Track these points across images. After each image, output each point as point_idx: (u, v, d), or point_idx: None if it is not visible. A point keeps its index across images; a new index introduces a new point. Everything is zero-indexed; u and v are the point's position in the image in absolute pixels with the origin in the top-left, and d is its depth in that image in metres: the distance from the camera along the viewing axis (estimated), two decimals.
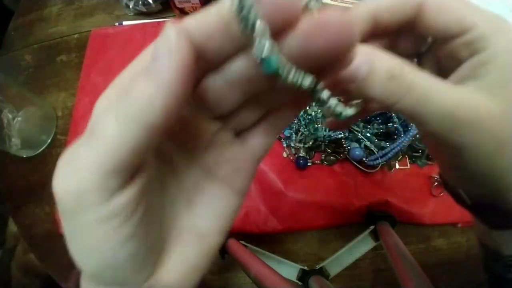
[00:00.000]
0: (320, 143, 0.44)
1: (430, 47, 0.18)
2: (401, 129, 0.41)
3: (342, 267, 0.40)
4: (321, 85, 0.11)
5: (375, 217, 0.40)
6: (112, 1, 0.58)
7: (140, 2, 0.54)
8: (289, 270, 0.39)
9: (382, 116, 0.43)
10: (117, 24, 0.56)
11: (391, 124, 0.42)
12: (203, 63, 0.11)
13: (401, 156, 0.43)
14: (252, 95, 0.13)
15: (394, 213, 0.40)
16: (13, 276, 0.60)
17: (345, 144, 0.43)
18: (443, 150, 0.17)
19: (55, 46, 0.56)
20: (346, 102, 0.16)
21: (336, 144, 0.44)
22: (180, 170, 0.14)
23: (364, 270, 0.41)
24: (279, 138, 0.45)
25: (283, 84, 0.10)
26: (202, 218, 0.14)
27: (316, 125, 0.43)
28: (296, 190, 0.43)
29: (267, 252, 0.39)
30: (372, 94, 0.14)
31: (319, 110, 0.44)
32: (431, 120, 0.14)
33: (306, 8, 0.11)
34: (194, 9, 0.53)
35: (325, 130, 0.43)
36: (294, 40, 0.10)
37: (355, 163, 0.43)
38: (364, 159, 0.42)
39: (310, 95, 0.12)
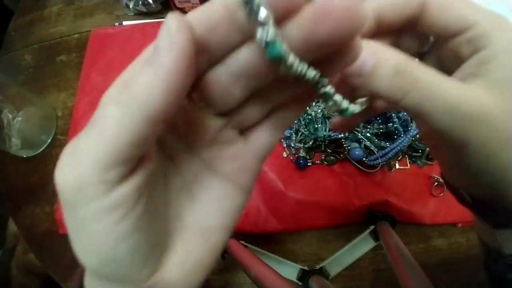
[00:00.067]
0: (320, 143, 0.44)
1: (432, 46, 0.18)
2: (401, 129, 0.41)
3: (342, 267, 0.40)
4: (325, 81, 0.11)
5: (375, 217, 0.40)
6: (112, 1, 0.58)
7: (140, 2, 0.54)
8: (289, 270, 0.39)
9: (382, 116, 0.43)
10: (117, 24, 0.56)
11: (391, 124, 0.42)
12: (208, 56, 0.11)
13: (401, 156, 0.43)
14: (256, 91, 0.13)
15: (394, 213, 0.40)
16: (13, 276, 0.60)
17: (345, 144, 0.43)
18: (446, 148, 0.17)
19: (55, 46, 0.56)
20: (351, 101, 0.16)
21: (336, 144, 0.44)
22: (184, 166, 0.14)
23: (364, 270, 0.41)
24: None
25: (287, 72, 0.10)
26: (206, 215, 0.14)
27: (316, 125, 0.43)
28: (296, 190, 0.43)
29: (267, 252, 0.39)
30: (378, 89, 0.14)
31: (319, 110, 0.44)
32: (437, 116, 0.14)
33: None
34: (194, 9, 0.53)
35: (325, 130, 0.43)
36: (297, 27, 0.10)
37: (355, 163, 0.43)
38: (364, 159, 0.42)
39: (315, 88, 0.12)
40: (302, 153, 0.44)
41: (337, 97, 0.13)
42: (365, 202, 0.41)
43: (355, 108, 0.14)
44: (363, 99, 0.15)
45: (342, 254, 0.39)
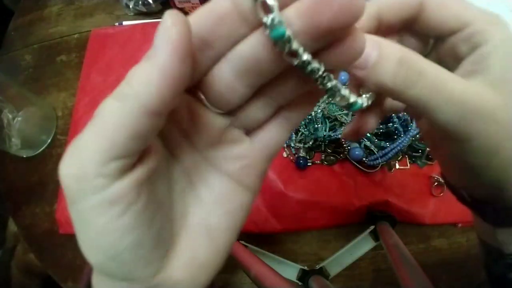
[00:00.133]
0: (320, 143, 0.44)
1: (432, 48, 0.18)
2: (401, 129, 0.41)
3: (342, 267, 0.40)
4: (331, 75, 0.12)
5: (375, 217, 0.40)
6: (112, 1, 0.58)
7: (140, 2, 0.54)
8: (289, 270, 0.39)
9: None
10: (117, 24, 0.56)
11: (391, 124, 0.42)
12: (213, 52, 0.12)
13: (401, 156, 0.43)
14: (260, 89, 0.13)
15: (394, 213, 0.40)
16: (13, 276, 0.60)
17: (345, 144, 0.43)
18: (447, 145, 0.16)
19: (55, 46, 0.56)
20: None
21: (336, 144, 0.44)
22: (189, 165, 0.14)
23: (364, 270, 0.41)
24: None
25: (292, 59, 0.11)
26: (212, 215, 0.14)
27: (316, 125, 0.43)
28: (296, 190, 0.43)
29: (267, 252, 0.39)
30: (382, 81, 0.14)
31: (319, 110, 0.44)
32: (441, 110, 0.14)
33: None
34: (194, 9, 0.53)
35: (325, 130, 0.43)
36: (299, 14, 0.10)
37: (355, 163, 0.43)
38: (364, 159, 0.42)
39: (321, 83, 0.12)
40: (302, 153, 0.44)
41: (345, 91, 0.13)
42: (365, 202, 0.41)
43: (363, 101, 0.14)
44: (369, 94, 0.15)
45: (342, 254, 0.39)
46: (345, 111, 0.44)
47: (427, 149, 0.42)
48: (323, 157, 0.44)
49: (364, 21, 0.16)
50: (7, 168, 0.49)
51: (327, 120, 0.44)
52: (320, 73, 0.11)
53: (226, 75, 0.12)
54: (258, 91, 0.13)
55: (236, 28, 0.11)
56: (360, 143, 0.43)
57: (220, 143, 0.14)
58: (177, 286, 0.13)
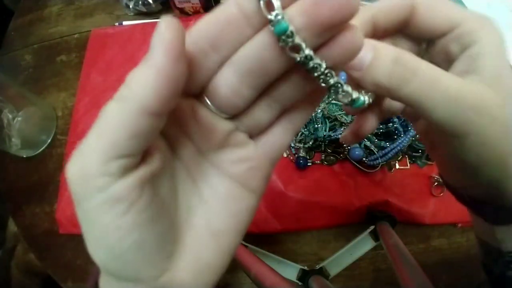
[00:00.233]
0: (320, 143, 0.44)
1: (424, 52, 0.18)
2: (401, 129, 0.41)
3: (342, 267, 0.40)
4: (333, 72, 0.12)
5: (375, 217, 0.40)
6: (112, 1, 0.58)
7: (140, 2, 0.54)
8: (289, 270, 0.39)
9: None
10: (117, 24, 0.56)
11: (391, 124, 0.42)
12: (218, 56, 0.12)
13: (401, 156, 0.43)
14: (264, 91, 0.13)
15: (394, 213, 0.40)
16: (13, 276, 0.60)
17: (345, 144, 0.43)
18: (445, 144, 0.17)
19: (55, 46, 0.56)
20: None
21: (336, 144, 0.44)
22: (194, 168, 0.15)
23: (364, 270, 0.41)
24: None
25: (294, 55, 0.11)
26: (217, 217, 0.15)
27: (316, 125, 0.43)
28: (296, 190, 0.43)
29: (267, 252, 0.39)
30: (378, 80, 0.15)
31: (319, 110, 0.44)
32: (437, 107, 0.14)
33: None
34: (194, 9, 0.53)
35: (325, 130, 0.43)
36: (300, 12, 0.11)
37: (355, 163, 0.43)
38: (364, 159, 0.42)
39: (324, 81, 0.12)
40: (302, 153, 0.44)
41: (348, 87, 0.13)
42: (365, 202, 0.41)
43: (365, 98, 0.14)
44: (368, 94, 0.16)
45: (342, 254, 0.39)
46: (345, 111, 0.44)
47: None
48: (323, 157, 0.44)
49: (359, 26, 0.17)
50: (7, 168, 0.49)
51: (327, 120, 0.44)
52: (322, 69, 0.12)
53: (231, 78, 0.13)
54: (262, 94, 0.14)
55: (241, 31, 0.12)
56: (360, 143, 0.43)
57: (225, 147, 0.15)
58: (182, 287, 0.13)
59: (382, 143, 0.42)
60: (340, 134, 0.43)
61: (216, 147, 0.15)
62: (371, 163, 0.42)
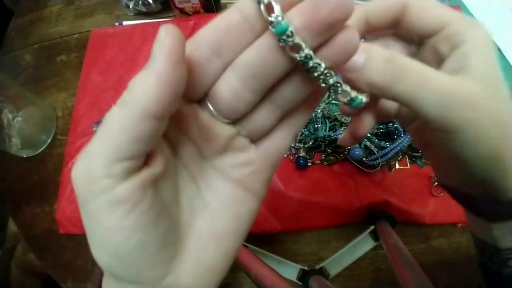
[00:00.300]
0: (320, 143, 0.44)
1: (417, 51, 0.19)
2: (401, 129, 0.41)
3: (342, 267, 0.40)
4: (332, 72, 0.12)
5: (375, 217, 0.40)
6: (112, 1, 0.58)
7: (140, 2, 0.54)
8: (289, 270, 0.39)
9: None
10: (117, 24, 0.56)
11: (391, 124, 0.42)
12: (221, 61, 0.13)
13: (401, 156, 0.43)
14: (266, 95, 0.14)
15: (394, 213, 0.40)
16: (13, 276, 0.60)
17: (343, 146, 0.43)
18: (438, 142, 0.17)
19: (55, 46, 0.56)
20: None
21: (336, 144, 0.44)
22: (197, 172, 0.15)
23: (364, 270, 0.41)
24: None
25: (295, 55, 0.11)
26: (219, 220, 0.15)
27: (316, 125, 0.43)
28: (296, 190, 0.43)
29: (267, 252, 0.39)
30: (373, 79, 0.15)
31: (319, 110, 0.44)
32: (429, 104, 0.15)
33: None
34: (194, 9, 0.53)
35: (325, 130, 0.43)
36: (300, 13, 0.11)
37: (355, 163, 0.43)
38: (364, 159, 0.42)
39: (324, 81, 0.13)
40: (302, 153, 0.44)
41: (347, 87, 0.14)
42: (365, 202, 0.41)
43: (363, 97, 0.15)
44: (364, 95, 0.16)
45: (342, 254, 0.39)
46: None
47: None
48: (323, 157, 0.44)
49: (354, 23, 0.17)
50: (7, 168, 0.49)
51: (327, 120, 0.44)
52: (322, 69, 0.12)
53: (233, 83, 0.13)
54: (263, 99, 0.14)
55: (243, 36, 0.12)
56: (360, 143, 0.43)
57: (227, 151, 0.15)
58: None
59: (382, 143, 0.42)
60: (340, 134, 0.43)
61: (218, 152, 0.15)
62: (371, 163, 0.42)
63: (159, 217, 0.12)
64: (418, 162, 0.43)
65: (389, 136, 0.43)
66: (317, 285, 0.35)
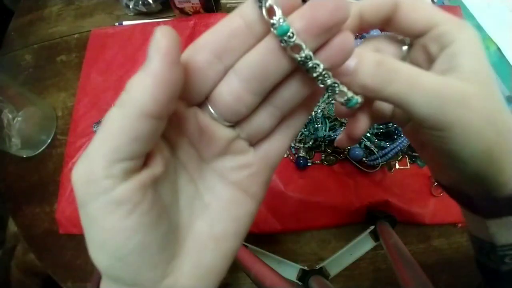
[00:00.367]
0: (320, 143, 0.44)
1: (406, 56, 0.20)
2: (401, 129, 0.41)
3: (342, 267, 0.40)
4: (330, 72, 0.13)
5: (375, 217, 0.40)
6: (112, 1, 0.58)
7: (140, 2, 0.54)
8: (289, 270, 0.39)
9: None
10: (117, 24, 0.56)
11: (391, 124, 0.42)
12: (223, 65, 0.13)
13: (401, 156, 0.43)
14: (266, 98, 0.14)
15: (394, 213, 0.40)
16: (13, 276, 0.60)
17: (340, 147, 0.43)
18: (432, 140, 0.17)
19: (55, 46, 0.56)
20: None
21: None
22: (196, 174, 0.15)
23: (364, 270, 0.41)
24: None
25: (295, 56, 0.12)
26: (218, 222, 0.15)
27: (316, 125, 0.43)
28: (296, 190, 0.43)
29: (267, 252, 0.39)
30: (365, 82, 0.16)
31: (319, 110, 0.44)
32: (419, 103, 0.15)
33: None
34: (194, 9, 0.53)
35: (325, 130, 0.43)
36: (300, 16, 0.12)
37: (355, 163, 0.43)
38: (364, 159, 0.42)
39: (323, 81, 0.13)
40: (302, 153, 0.44)
41: (343, 88, 0.15)
42: (365, 202, 0.41)
43: (358, 97, 0.16)
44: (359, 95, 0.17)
45: (342, 254, 0.39)
46: None
47: None
48: (323, 157, 0.44)
49: (348, 21, 0.18)
50: (7, 168, 0.49)
51: (327, 120, 0.44)
52: (320, 70, 0.12)
53: (234, 85, 0.13)
54: (263, 102, 0.14)
55: (245, 40, 0.13)
56: (360, 143, 0.43)
57: (226, 154, 0.15)
58: None
59: (382, 143, 0.42)
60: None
61: (218, 154, 0.15)
62: (371, 163, 0.42)
63: (159, 218, 0.13)
64: (418, 162, 0.43)
65: (389, 136, 0.43)
66: (317, 285, 0.35)
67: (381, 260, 0.41)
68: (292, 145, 0.44)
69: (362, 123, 0.19)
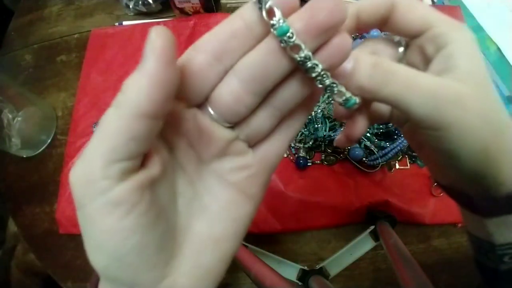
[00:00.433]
0: (320, 143, 0.44)
1: (402, 58, 0.20)
2: None
3: (342, 267, 0.40)
4: (328, 73, 0.13)
5: (375, 217, 0.40)
6: (112, 1, 0.58)
7: (140, 2, 0.54)
8: (289, 270, 0.39)
9: None
10: (117, 24, 0.56)
11: (391, 124, 0.42)
12: (223, 66, 0.13)
13: (401, 156, 0.43)
14: (265, 99, 0.14)
15: (394, 213, 0.40)
16: (13, 276, 0.60)
17: (339, 147, 0.43)
18: (429, 140, 0.17)
19: (55, 46, 0.56)
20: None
21: None
22: (195, 175, 0.15)
23: (364, 270, 0.41)
24: None
25: (294, 56, 0.12)
26: (216, 223, 0.15)
27: (316, 125, 0.43)
28: (296, 190, 0.43)
29: (267, 252, 0.39)
30: (361, 83, 0.16)
31: (319, 110, 0.44)
32: (415, 103, 0.15)
33: None
34: (194, 9, 0.53)
35: (325, 130, 0.43)
36: (299, 17, 0.12)
37: (355, 163, 0.43)
38: (364, 159, 0.42)
39: (321, 81, 0.13)
40: (302, 153, 0.44)
41: (342, 88, 0.15)
42: (365, 202, 0.41)
43: (356, 98, 0.16)
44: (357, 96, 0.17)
45: (342, 254, 0.39)
46: None
47: None
48: (323, 157, 0.44)
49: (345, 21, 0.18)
50: (7, 168, 0.49)
51: (327, 120, 0.44)
52: (319, 70, 0.13)
53: (234, 86, 0.13)
54: (262, 103, 0.14)
55: (244, 42, 0.13)
56: (360, 143, 0.43)
57: (225, 155, 0.15)
58: None
59: (382, 143, 0.42)
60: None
61: (217, 156, 0.15)
62: (371, 163, 0.42)
63: (157, 219, 0.13)
64: (418, 162, 0.43)
65: (389, 136, 0.43)
66: (317, 285, 0.35)
67: (381, 260, 0.41)
68: (292, 145, 0.44)
69: (360, 124, 0.20)
